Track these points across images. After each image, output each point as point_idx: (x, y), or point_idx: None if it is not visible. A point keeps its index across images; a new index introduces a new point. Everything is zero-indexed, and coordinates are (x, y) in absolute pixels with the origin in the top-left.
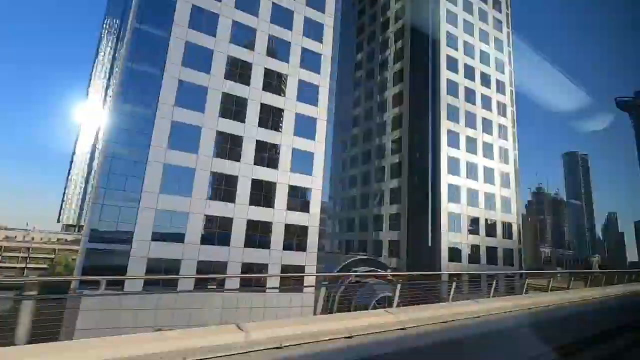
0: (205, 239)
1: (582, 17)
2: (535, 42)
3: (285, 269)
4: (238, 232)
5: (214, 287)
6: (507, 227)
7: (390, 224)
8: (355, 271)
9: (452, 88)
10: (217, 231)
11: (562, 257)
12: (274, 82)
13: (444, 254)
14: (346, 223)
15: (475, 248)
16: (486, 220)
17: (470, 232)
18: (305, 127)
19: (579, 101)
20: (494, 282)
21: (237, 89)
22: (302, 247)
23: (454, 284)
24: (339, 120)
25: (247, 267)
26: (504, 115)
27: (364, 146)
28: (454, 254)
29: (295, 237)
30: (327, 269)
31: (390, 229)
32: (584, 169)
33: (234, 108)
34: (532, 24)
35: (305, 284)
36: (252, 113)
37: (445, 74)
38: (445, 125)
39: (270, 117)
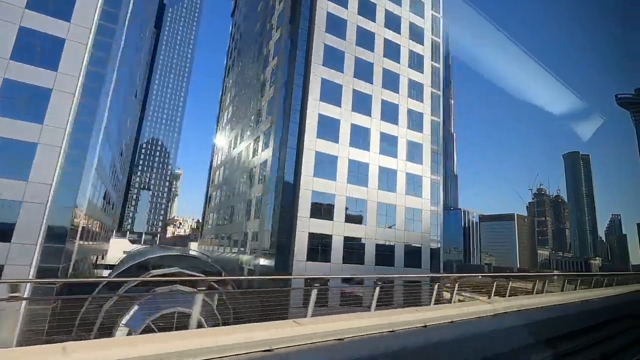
0: None
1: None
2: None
3: None
4: None
5: None
6: (413, 215)
7: (256, 210)
8: (152, 275)
9: (336, 25)
10: None
11: (561, 259)
12: None
13: (300, 249)
14: (224, 213)
15: (356, 243)
16: (379, 204)
17: (350, 220)
18: (40, 49)
19: (576, 98)
20: (311, 294)
21: None
22: (5, 236)
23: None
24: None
25: None
26: (420, 70)
27: (251, 115)
28: (320, 251)
29: None
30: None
31: (255, 217)
32: (585, 170)
33: None
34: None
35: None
36: None
37: (324, 4)
38: (317, 72)
39: None
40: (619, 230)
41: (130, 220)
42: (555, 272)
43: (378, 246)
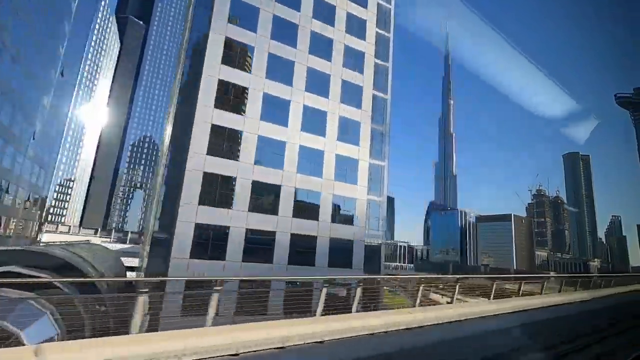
0: None
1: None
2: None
3: None
4: None
5: None
6: (344, 205)
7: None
8: None
9: None
10: None
11: (559, 260)
12: None
13: (182, 244)
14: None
15: (265, 237)
16: (299, 191)
17: (257, 209)
18: None
19: (575, 98)
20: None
21: None
22: None
23: None
24: None
25: None
26: (361, 36)
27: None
28: (212, 246)
29: None
30: None
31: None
32: (585, 170)
33: None
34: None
35: None
36: None
37: None
38: (220, 30)
39: None
40: (619, 232)
41: (116, 219)
42: (552, 274)
43: (294, 241)
